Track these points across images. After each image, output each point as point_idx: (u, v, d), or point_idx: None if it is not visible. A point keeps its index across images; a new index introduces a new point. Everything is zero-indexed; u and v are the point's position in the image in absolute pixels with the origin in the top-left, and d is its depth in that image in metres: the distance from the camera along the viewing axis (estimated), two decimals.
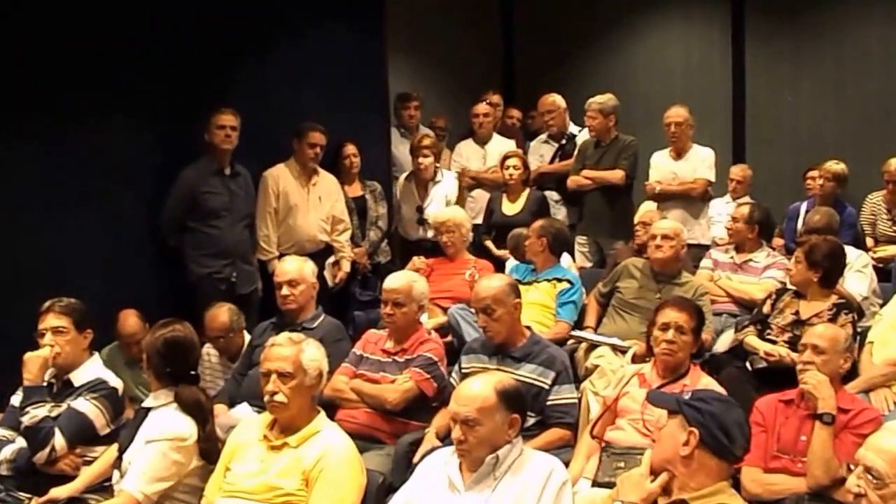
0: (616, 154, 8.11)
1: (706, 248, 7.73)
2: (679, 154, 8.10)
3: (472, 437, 3.63)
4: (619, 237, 7.97)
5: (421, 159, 8.23)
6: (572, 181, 8.25)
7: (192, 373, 4.43)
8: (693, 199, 8.03)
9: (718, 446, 3.25)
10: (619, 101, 8.25)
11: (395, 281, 5.45)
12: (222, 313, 6.23)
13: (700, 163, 8.04)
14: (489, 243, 8.10)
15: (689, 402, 3.34)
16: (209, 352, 6.25)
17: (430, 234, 8.09)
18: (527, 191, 8.16)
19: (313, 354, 4.11)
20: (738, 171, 9.35)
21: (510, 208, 8.13)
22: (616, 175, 8.03)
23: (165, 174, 6.85)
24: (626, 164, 8.05)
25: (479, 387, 3.72)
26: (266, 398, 4.01)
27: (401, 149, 8.95)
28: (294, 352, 4.06)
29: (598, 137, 8.20)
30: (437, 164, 8.38)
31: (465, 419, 3.64)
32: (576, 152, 8.45)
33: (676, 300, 5.10)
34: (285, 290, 5.64)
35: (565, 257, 7.08)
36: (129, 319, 6.31)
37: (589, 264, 8.04)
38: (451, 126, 9.81)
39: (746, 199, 8.79)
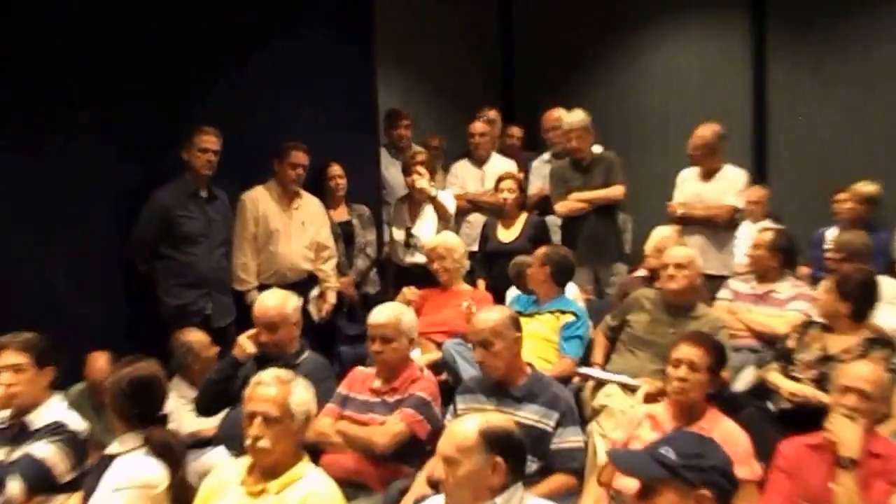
0: (604, 171, 8.19)
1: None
2: (708, 174, 8.00)
3: (452, 477, 3.67)
4: (617, 262, 8.10)
5: (415, 176, 8.08)
6: (563, 207, 8.28)
7: (161, 414, 4.42)
8: (717, 227, 7.90)
9: (725, 494, 3.31)
10: (625, 114, 8.25)
11: (381, 314, 5.46)
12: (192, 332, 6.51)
13: (729, 186, 7.94)
14: (480, 282, 7.94)
15: (685, 463, 3.30)
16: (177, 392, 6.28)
17: (418, 258, 8.03)
18: (524, 215, 8.16)
19: (302, 397, 4.11)
20: (752, 193, 9.31)
21: (506, 235, 8.11)
22: (618, 192, 8.13)
23: (138, 196, 6.87)
24: (623, 179, 8.13)
25: (463, 426, 3.76)
26: (248, 442, 4.01)
27: (391, 170, 8.96)
28: (282, 393, 4.06)
29: (580, 157, 8.26)
30: (433, 183, 8.26)
31: (445, 457, 3.68)
32: (550, 178, 8.53)
33: (693, 335, 5.08)
34: (264, 336, 5.64)
35: (571, 287, 7.07)
36: (99, 362, 6.29)
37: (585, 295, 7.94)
38: (446, 145, 9.83)
39: (767, 222, 8.77)
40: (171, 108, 7.00)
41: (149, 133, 6.90)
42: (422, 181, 8.01)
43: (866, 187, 8.23)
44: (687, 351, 4.78)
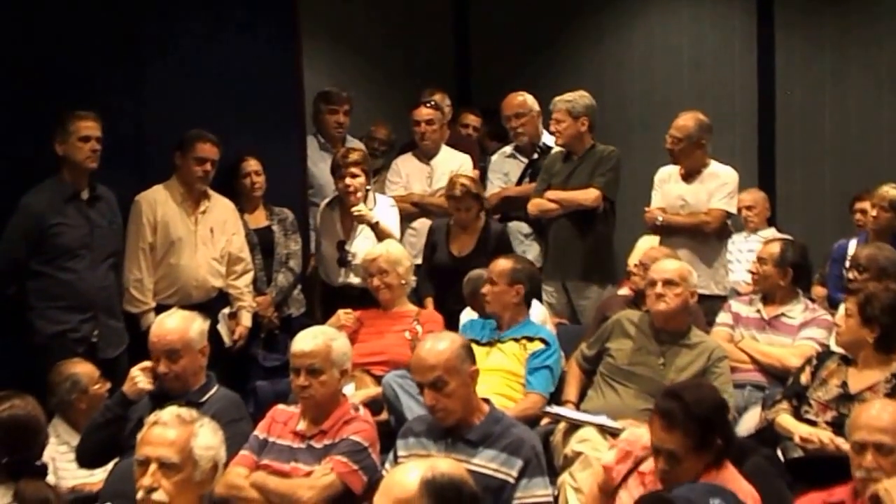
0: (591, 168, 8.23)
1: (722, 300, 7.70)
2: (691, 174, 8.07)
3: None
4: (595, 281, 8.09)
5: (348, 180, 7.98)
6: (534, 205, 8.36)
7: (38, 463, 4.39)
8: (706, 237, 7.97)
9: None
10: (602, 103, 8.26)
11: (307, 341, 5.40)
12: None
13: (718, 187, 7.99)
14: (429, 301, 8.02)
15: None
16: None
17: (354, 279, 8.00)
18: (482, 222, 8.19)
19: (209, 440, 4.08)
20: (746, 197, 9.34)
21: (459, 246, 8.15)
22: (588, 195, 8.12)
23: (2, 204, 6.80)
24: (603, 182, 8.15)
25: (402, 475, 3.72)
26: (140, 495, 3.98)
27: (321, 166, 8.89)
28: (183, 435, 4.04)
29: (568, 148, 8.33)
30: (370, 187, 8.20)
31: None
32: (542, 169, 8.56)
33: (664, 412, 4.53)
34: (163, 367, 5.60)
35: (537, 308, 7.09)
36: None
37: (556, 319, 7.99)
38: (394, 137, 9.87)
39: (772, 232, 8.82)
40: (41, 94, 6.93)
41: (13, 126, 6.84)
42: (360, 207, 7.90)
43: (894, 191, 8.23)
44: (662, 438, 4.48)
